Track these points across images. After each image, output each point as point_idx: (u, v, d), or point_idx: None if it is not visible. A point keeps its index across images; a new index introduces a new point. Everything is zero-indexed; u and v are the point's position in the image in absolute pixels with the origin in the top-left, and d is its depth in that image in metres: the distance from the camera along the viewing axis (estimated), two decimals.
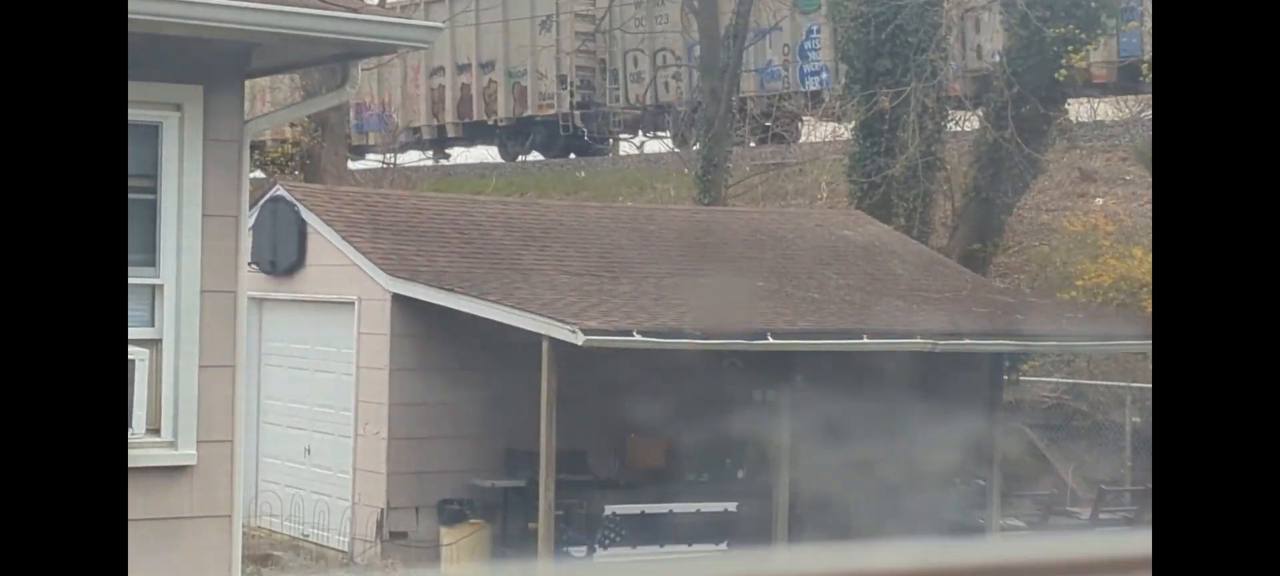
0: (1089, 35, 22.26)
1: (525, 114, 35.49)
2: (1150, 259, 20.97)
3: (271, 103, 29.33)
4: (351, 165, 34.26)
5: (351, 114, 36.95)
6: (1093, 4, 22.00)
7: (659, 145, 35.65)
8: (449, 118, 36.86)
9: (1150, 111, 24.68)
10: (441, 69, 36.61)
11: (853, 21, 23.97)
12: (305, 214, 18.30)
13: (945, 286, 20.07)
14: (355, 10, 9.19)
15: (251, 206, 18.16)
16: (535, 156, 36.38)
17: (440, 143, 38.41)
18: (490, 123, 36.29)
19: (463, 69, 36.34)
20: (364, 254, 17.72)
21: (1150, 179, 24.00)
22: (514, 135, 36.15)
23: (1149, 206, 25.24)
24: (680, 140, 32.81)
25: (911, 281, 20.03)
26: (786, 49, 31.68)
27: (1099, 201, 26.64)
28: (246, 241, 9.54)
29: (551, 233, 19.72)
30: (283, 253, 18.35)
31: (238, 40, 8.86)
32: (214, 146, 9.14)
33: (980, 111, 24.39)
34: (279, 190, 18.97)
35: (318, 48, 9.30)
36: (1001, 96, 22.33)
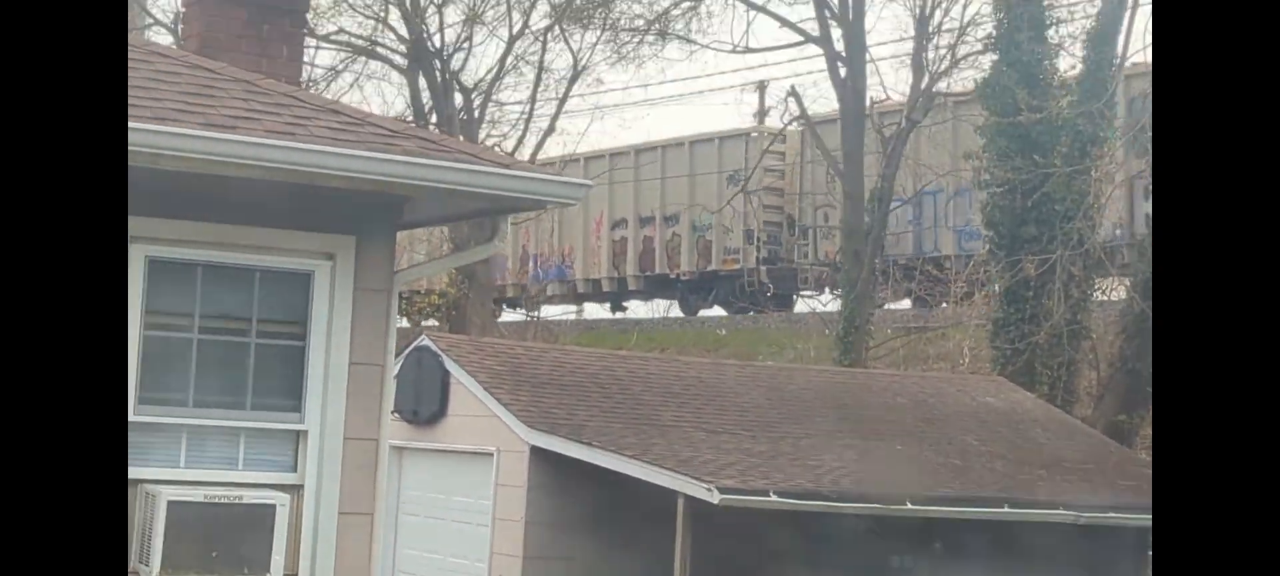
0: None
1: (708, 268, 35.26)
2: None
3: (425, 253, 29.83)
4: (498, 315, 34.62)
5: (531, 264, 37.34)
6: None
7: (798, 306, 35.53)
8: (630, 270, 36.73)
9: None
10: (624, 221, 36.67)
11: (1000, 188, 23.89)
12: (449, 364, 18.48)
13: (1089, 457, 19.72)
14: (506, 166, 9.33)
15: (396, 355, 18.42)
16: (716, 310, 36.06)
17: (619, 295, 38.21)
18: (672, 276, 36.11)
19: (645, 221, 36.31)
20: (504, 405, 17.82)
21: None
22: (696, 289, 35.94)
23: None
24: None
25: (1055, 451, 19.70)
26: (932, 214, 31.61)
27: None
28: (391, 390, 9.63)
29: (691, 389, 19.71)
30: (425, 402, 18.52)
31: (391, 193, 9.02)
32: (364, 296, 9.28)
33: (1127, 281, 24.09)
34: (424, 340, 19.20)
35: (468, 202, 9.44)
36: (1149, 267, 22.06)
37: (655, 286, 37.09)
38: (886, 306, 31.09)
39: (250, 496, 8.96)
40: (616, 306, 38.97)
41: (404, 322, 31.51)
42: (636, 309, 39.18)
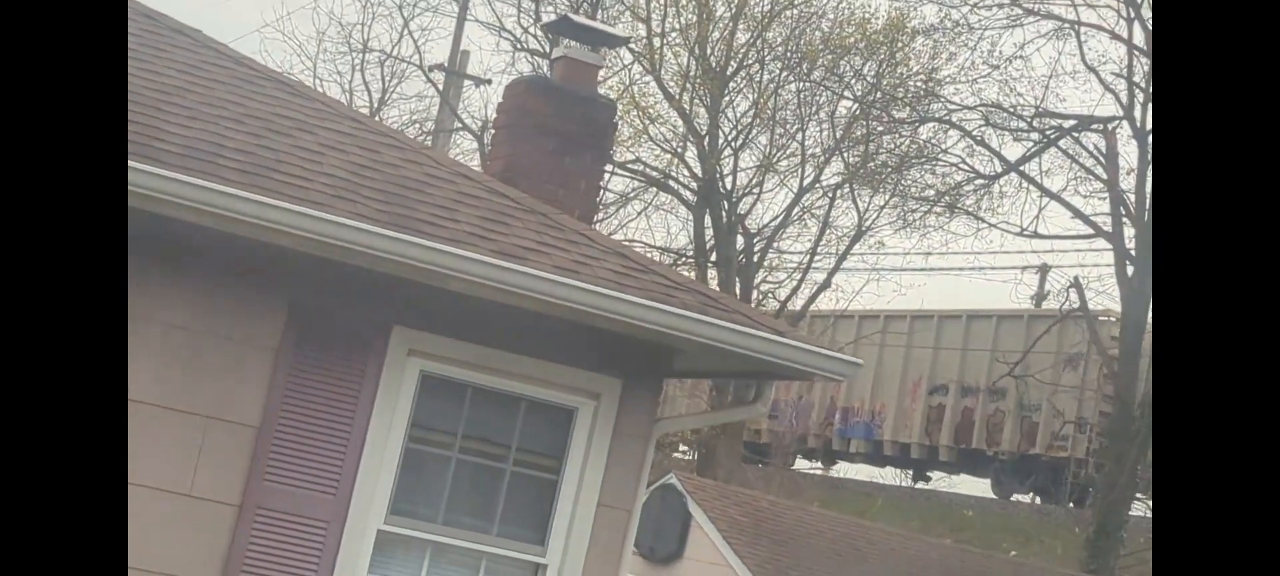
0: None
1: (1031, 451, 33.40)
2: None
3: (686, 400, 29.83)
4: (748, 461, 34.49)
5: (837, 417, 36.74)
6: None
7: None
8: (944, 440, 35.00)
9: None
10: (944, 387, 35.17)
11: None
12: (692, 507, 18.47)
13: None
14: (779, 333, 9.30)
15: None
16: (1032, 498, 34.17)
17: (926, 463, 36.54)
18: (990, 454, 34.25)
19: (968, 392, 34.73)
20: (740, 557, 17.72)
21: None
22: (1012, 471, 34.08)
23: None
24: (1076, 498, 31.88)
25: None
26: None
27: None
28: (633, 536, 9.62)
29: (929, 570, 19.33)
30: (664, 541, 18.53)
31: (663, 343, 9.06)
32: (621, 439, 9.31)
33: None
34: (671, 478, 19.23)
35: (737, 362, 9.42)
36: None
37: (967, 461, 35.22)
38: (1141, 514, 30.09)
39: None
40: (919, 475, 37.39)
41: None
42: (887, 473, 38.50)
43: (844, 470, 39.44)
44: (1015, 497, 34.38)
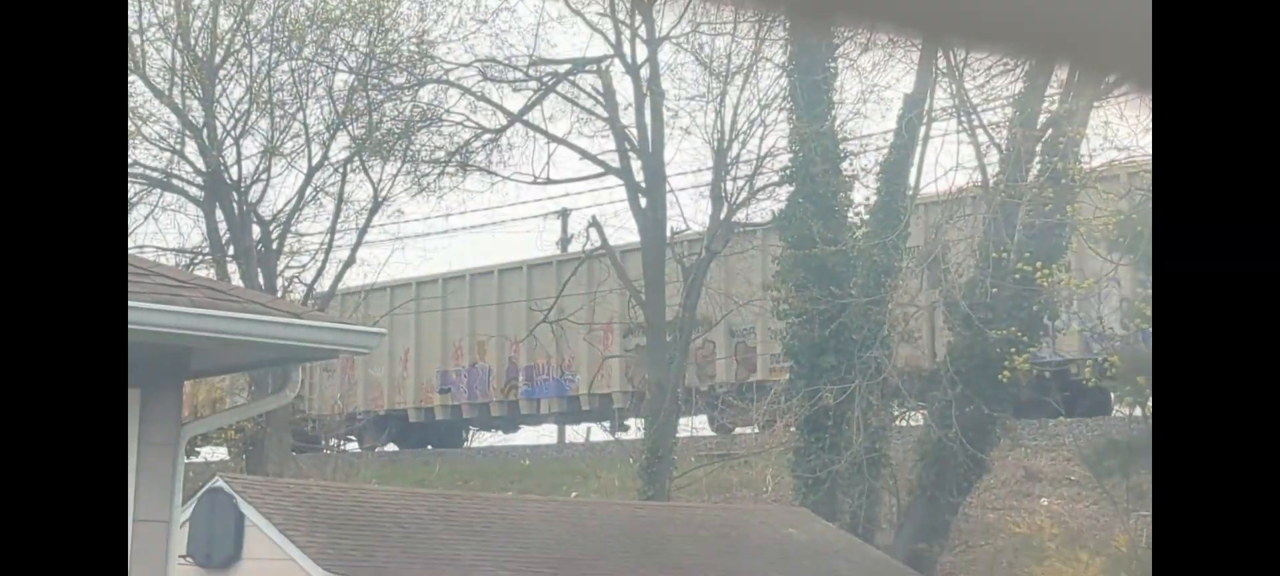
0: (1032, 338, 22.46)
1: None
2: (1095, 564, 20.79)
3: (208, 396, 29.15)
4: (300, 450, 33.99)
5: (521, 377, 36.44)
6: (1034, 307, 22.25)
7: (600, 433, 35.53)
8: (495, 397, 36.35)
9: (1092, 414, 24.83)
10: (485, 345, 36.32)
11: (798, 317, 24.17)
12: (243, 506, 18.02)
13: None
14: (297, 316, 9.15)
15: (191, 498, 17.93)
16: (521, 441, 35.92)
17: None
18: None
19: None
20: (300, 548, 17.41)
21: (1094, 482, 24.05)
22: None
23: (1094, 509, 25.26)
24: (618, 429, 32.80)
25: None
26: (735, 341, 31.92)
27: (1044, 502, 26.60)
28: (176, 546, 9.32)
29: (493, 527, 19.47)
30: (218, 546, 18.02)
31: (177, 345, 8.79)
32: (148, 449, 9.02)
33: (924, 410, 24.47)
34: (218, 481, 18.72)
35: (258, 352, 9.24)
36: (945, 395, 22.41)
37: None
38: (689, 435, 31.23)
39: None
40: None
41: (202, 455, 30.85)
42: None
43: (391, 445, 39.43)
44: (513, 442, 36.32)
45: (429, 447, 37.86)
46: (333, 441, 36.35)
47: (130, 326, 8.33)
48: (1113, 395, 24.96)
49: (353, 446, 37.99)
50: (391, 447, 38.81)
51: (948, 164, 47.74)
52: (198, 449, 31.24)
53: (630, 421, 34.03)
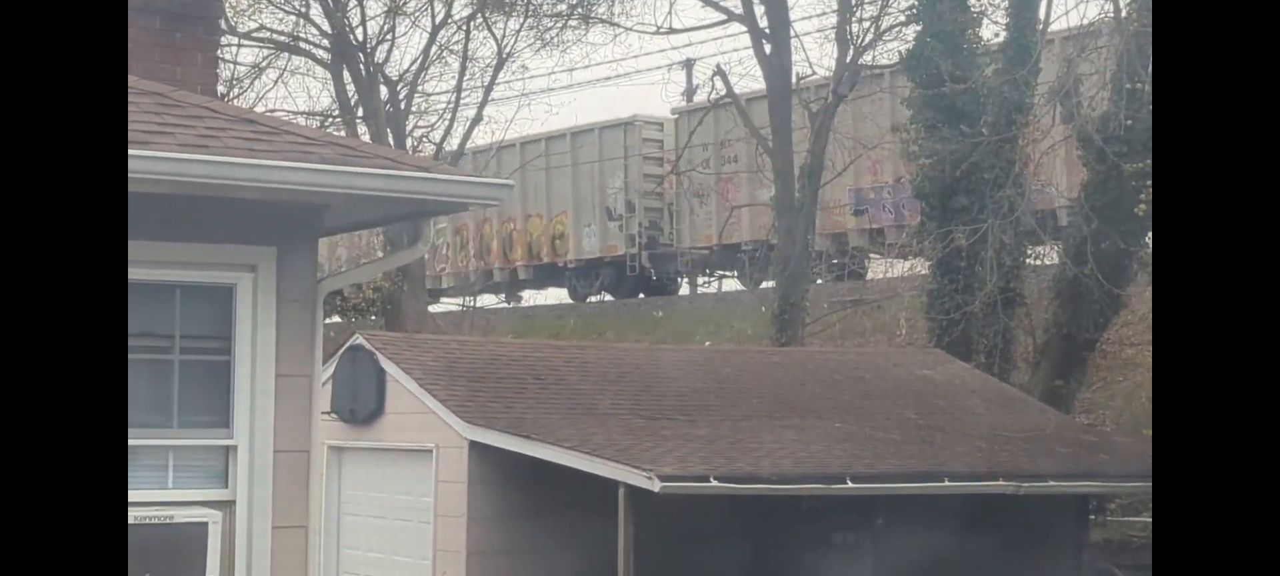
0: None
1: (594, 256, 35.73)
2: None
3: (350, 253, 29.58)
4: (432, 308, 34.45)
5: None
6: None
7: (733, 283, 35.59)
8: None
9: None
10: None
11: (929, 160, 23.92)
12: (384, 363, 18.36)
13: (1028, 426, 19.81)
14: (426, 170, 9.23)
15: (331, 355, 18.29)
16: (605, 297, 36.56)
17: (513, 285, 38.79)
18: (560, 266, 36.68)
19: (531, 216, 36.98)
20: (441, 402, 17.73)
21: None
22: (582, 276, 36.50)
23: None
24: (751, 280, 32.79)
25: (993, 421, 19.78)
26: (863, 189, 31.70)
27: None
28: (320, 400, 9.51)
29: (628, 376, 19.66)
30: (362, 402, 18.40)
31: (310, 202, 8.91)
32: (288, 306, 9.16)
33: (1059, 247, 24.19)
34: (358, 339, 19.06)
35: (389, 207, 9.33)
36: (1080, 232, 22.13)
37: (545, 275, 37.58)
38: (819, 282, 31.21)
39: (181, 514, 8.85)
40: (511, 296, 39.53)
41: (338, 319, 31.36)
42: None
43: (531, 298, 39.92)
44: (589, 298, 36.66)
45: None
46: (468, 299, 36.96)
47: (262, 183, 8.47)
48: None
49: (485, 299, 38.72)
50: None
51: None
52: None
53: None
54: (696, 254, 34.60)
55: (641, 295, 35.89)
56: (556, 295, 39.23)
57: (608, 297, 36.66)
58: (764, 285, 30.60)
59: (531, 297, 39.92)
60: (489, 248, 38.01)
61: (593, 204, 35.61)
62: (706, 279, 36.37)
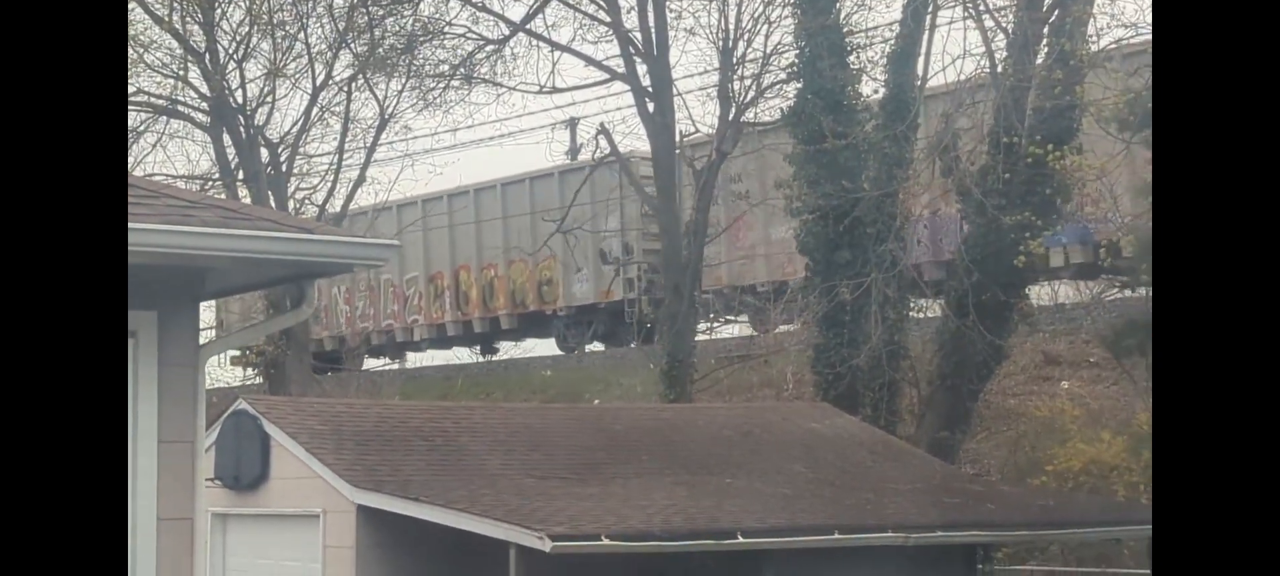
0: (1046, 222, 22.40)
1: (589, 302, 34.97)
2: (1117, 443, 20.73)
3: (238, 313, 29.23)
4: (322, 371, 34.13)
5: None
6: (1047, 191, 22.17)
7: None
8: (504, 308, 36.52)
9: (1110, 294, 24.77)
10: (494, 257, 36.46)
11: (811, 214, 24.12)
12: (268, 427, 18.13)
13: (915, 476, 19.96)
14: (309, 230, 9.15)
15: (215, 421, 18.04)
16: (541, 352, 36.17)
17: (491, 336, 37.92)
18: (549, 313, 35.85)
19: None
20: (328, 466, 17.53)
21: (1113, 363, 24.04)
22: (573, 324, 35.67)
23: (1114, 389, 25.28)
24: (642, 336, 32.78)
25: (881, 473, 19.91)
26: (749, 243, 31.88)
27: (1064, 385, 26.64)
28: (203, 467, 9.36)
29: (517, 435, 19.58)
30: (246, 467, 18.16)
31: (191, 265, 8.79)
32: (169, 371, 9.02)
33: (941, 300, 24.46)
34: (241, 404, 18.82)
35: (272, 269, 9.24)
36: (962, 284, 22.38)
37: (530, 324, 36.60)
38: (711, 336, 31.28)
39: None
40: (487, 349, 38.53)
41: (225, 379, 30.97)
42: (461, 354, 38.93)
43: (416, 361, 39.58)
44: (536, 354, 36.04)
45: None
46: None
47: (142, 248, 8.34)
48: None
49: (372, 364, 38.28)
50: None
51: (955, 51, 47.59)
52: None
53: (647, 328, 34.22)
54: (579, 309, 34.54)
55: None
56: (442, 357, 38.94)
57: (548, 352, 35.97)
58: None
59: (417, 359, 39.57)
60: (467, 297, 37.26)
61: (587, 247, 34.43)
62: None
